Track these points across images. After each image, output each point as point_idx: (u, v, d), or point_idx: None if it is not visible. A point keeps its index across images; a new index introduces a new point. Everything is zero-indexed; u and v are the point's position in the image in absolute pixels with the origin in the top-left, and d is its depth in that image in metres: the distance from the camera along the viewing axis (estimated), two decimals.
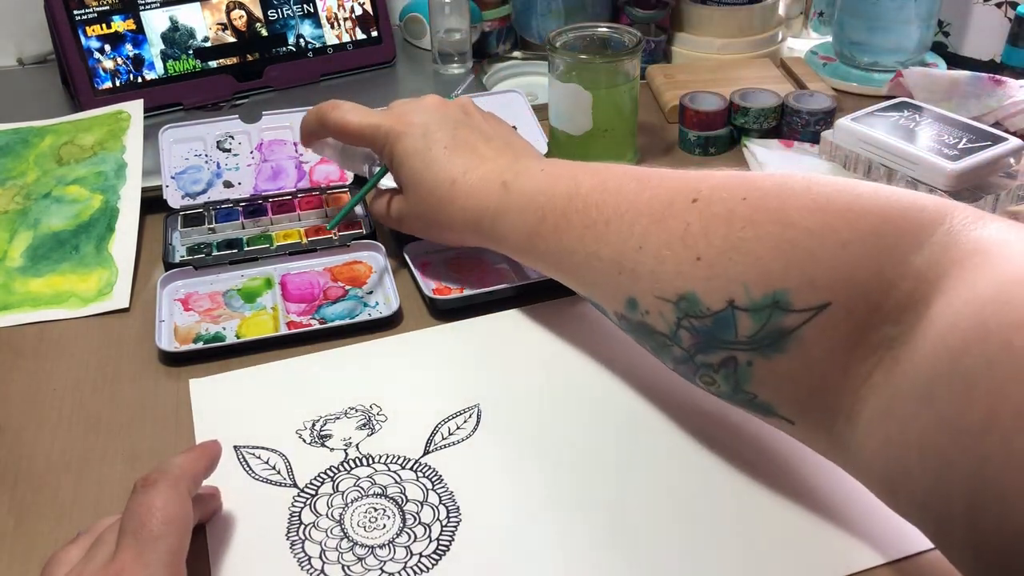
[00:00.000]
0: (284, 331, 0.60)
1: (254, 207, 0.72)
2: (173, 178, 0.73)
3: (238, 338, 0.60)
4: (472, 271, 0.66)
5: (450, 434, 0.53)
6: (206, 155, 0.75)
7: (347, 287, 0.65)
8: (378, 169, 0.66)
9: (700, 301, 0.44)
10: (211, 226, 0.70)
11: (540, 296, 0.63)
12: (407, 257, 0.66)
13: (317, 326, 0.61)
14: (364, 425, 0.54)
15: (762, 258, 0.42)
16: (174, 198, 0.72)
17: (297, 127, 0.77)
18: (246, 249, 0.68)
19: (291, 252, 0.68)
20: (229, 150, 0.75)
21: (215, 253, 0.68)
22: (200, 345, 0.59)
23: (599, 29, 0.79)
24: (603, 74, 0.75)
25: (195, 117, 0.86)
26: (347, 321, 0.61)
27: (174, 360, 0.59)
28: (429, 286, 0.64)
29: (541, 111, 0.80)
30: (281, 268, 0.67)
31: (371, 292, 0.65)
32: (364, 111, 0.64)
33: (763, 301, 0.42)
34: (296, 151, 0.76)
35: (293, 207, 0.72)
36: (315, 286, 0.65)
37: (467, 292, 0.63)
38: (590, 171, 0.54)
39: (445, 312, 0.62)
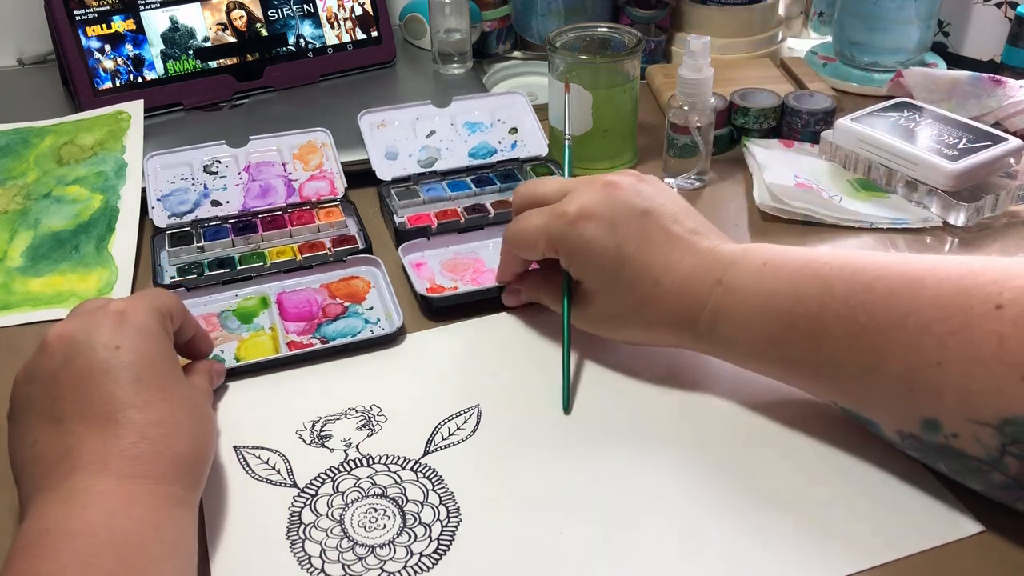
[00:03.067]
0: (286, 352, 0.59)
1: (244, 223, 0.70)
2: (159, 200, 0.71)
3: (237, 361, 0.58)
4: (467, 271, 0.66)
5: (450, 434, 0.53)
6: (192, 178, 0.73)
7: (346, 303, 0.63)
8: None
9: None
10: (200, 244, 0.68)
11: None
12: (401, 257, 0.66)
13: (319, 346, 0.59)
14: (364, 426, 0.54)
15: None
16: (160, 218, 0.70)
17: (284, 149, 0.75)
18: (239, 268, 0.66)
19: (286, 269, 0.66)
20: (216, 173, 0.74)
21: (207, 273, 0.65)
22: None
23: (599, 29, 0.79)
24: (603, 74, 0.75)
25: (194, 119, 0.86)
26: (350, 340, 0.60)
27: None
28: (423, 285, 0.64)
29: (541, 111, 0.80)
30: (276, 286, 0.65)
31: (371, 308, 0.63)
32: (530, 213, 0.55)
33: None
34: (285, 170, 0.74)
35: (284, 223, 0.70)
36: (313, 304, 0.64)
37: (461, 290, 0.63)
38: (828, 262, 0.47)
39: (440, 311, 0.62)
